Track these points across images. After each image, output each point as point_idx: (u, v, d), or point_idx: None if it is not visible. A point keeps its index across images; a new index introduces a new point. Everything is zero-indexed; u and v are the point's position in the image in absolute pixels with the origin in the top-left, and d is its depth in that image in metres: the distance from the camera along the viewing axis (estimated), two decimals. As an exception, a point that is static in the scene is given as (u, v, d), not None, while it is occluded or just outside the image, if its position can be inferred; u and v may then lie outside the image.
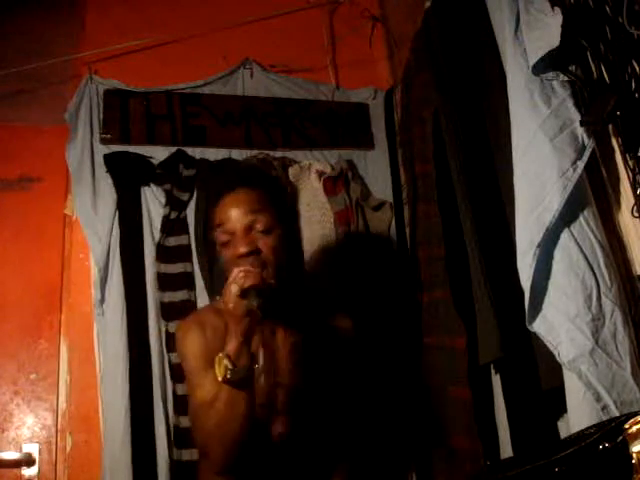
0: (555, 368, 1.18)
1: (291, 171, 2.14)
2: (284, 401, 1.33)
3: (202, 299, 1.94)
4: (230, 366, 1.15)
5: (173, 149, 2.10)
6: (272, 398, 1.32)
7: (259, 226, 1.29)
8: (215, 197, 1.35)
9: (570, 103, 1.19)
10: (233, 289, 1.16)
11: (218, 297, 1.35)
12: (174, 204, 2.00)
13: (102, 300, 1.91)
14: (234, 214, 1.29)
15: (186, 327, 1.38)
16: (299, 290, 1.53)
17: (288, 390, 1.34)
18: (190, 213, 2.02)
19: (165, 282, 1.92)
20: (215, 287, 1.92)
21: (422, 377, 1.82)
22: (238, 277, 1.17)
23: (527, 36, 1.22)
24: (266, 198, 1.33)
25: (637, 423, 0.76)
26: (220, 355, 1.17)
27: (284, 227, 1.34)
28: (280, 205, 1.37)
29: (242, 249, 1.26)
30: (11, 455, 1.87)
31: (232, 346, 1.17)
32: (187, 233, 1.99)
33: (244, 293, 1.16)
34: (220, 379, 1.16)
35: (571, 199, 1.14)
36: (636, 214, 1.13)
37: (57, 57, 2.10)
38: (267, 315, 1.23)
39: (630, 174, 1.15)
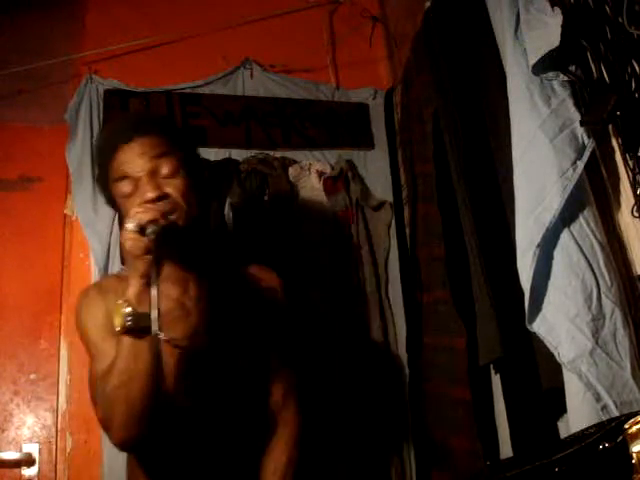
0: (555, 368, 1.18)
1: (291, 171, 2.15)
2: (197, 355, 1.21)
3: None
4: (130, 311, 1.04)
5: (173, 149, 2.09)
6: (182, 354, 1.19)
7: (164, 170, 1.22)
8: (111, 150, 1.25)
9: (570, 103, 1.19)
10: (130, 226, 1.05)
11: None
12: (174, 204, 2.00)
13: (102, 300, 1.90)
14: (136, 162, 1.22)
15: (85, 294, 1.29)
16: (217, 243, 1.45)
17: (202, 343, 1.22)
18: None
19: (165, 282, 1.92)
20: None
21: (422, 377, 1.82)
22: (136, 212, 1.07)
23: (527, 36, 1.21)
24: (167, 143, 1.26)
25: (637, 423, 0.76)
26: (119, 302, 1.05)
27: (191, 171, 1.27)
28: (184, 148, 1.30)
29: (149, 194, 1.18)
30: (11, 455, 1.87)
31: (132, 290, 1.05)
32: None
33: (142, 229, 1.05)
34: (119, 329, 1.05)
35: (571, 199, 1.14)
36: (636, 214, 1.13)
37: (57, 57, 2.10)
38: (173, 256, 1.14)
39: (630, 174, 1.15)
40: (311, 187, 2.15)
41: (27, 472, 1.86)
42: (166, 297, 1.16)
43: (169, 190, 1.20)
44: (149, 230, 1.05)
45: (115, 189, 1.24)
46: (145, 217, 1.06)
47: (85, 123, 2.06)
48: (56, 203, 2.09)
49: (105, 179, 1.27)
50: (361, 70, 2.43)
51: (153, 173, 1.21)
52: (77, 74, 2.16)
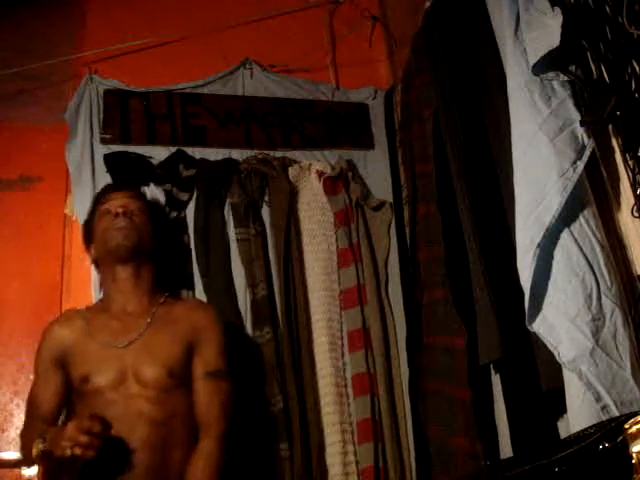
0: (555, 368, 1.18)
1: (291, 171, 2.14)
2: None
3: (201, 299, 1.93)
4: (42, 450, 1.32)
5: (173, 149, 2.09)
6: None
7: (133, 207, 1.65)
8: (105, 195, 1.71)
9: (570, 103, 1.19)
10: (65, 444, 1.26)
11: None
12: (174, 204, 2.00)
13: (102, 300, 1.90)
14: (114, 197, 1.66)
15: (50, 326, 1.63)
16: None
17: None
18: (190, 213, 2.02)
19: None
20: (214, 287, 1.93)
21: (422, 377, 1.81)
22: (71, 440, 1.27)
23: (527, 36, 1.22)
24: (143, 202, 1.72)
25: (637, 423, 0.76)
26: (37, 442, 1.33)
27: (155, 225, 1.70)
28: (155, 213, 1.77)
29: (119, 209, 1.61)
30: (11, 455, 1.87)
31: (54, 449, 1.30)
32: (186, 233, 1.99)
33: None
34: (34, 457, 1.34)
35: (571, 199, 1.14)
36: (636, 214, 1.13)
37: (57, 57, 2.10)
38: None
39: (630, 174, 1.15)
40: (311, 187, 2.15)
41: (27, 472, 1.86)
42: None
43: (134, 217, 1.62)
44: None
45: (98, 214, 1.65)
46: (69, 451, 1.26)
47: (85, 123, 2.06)
48: (56, 203, 2.09)
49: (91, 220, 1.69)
50: (361, 70, 2.42)
51: (125, 205, 1.63)
52: (77, 74, 2.16)
